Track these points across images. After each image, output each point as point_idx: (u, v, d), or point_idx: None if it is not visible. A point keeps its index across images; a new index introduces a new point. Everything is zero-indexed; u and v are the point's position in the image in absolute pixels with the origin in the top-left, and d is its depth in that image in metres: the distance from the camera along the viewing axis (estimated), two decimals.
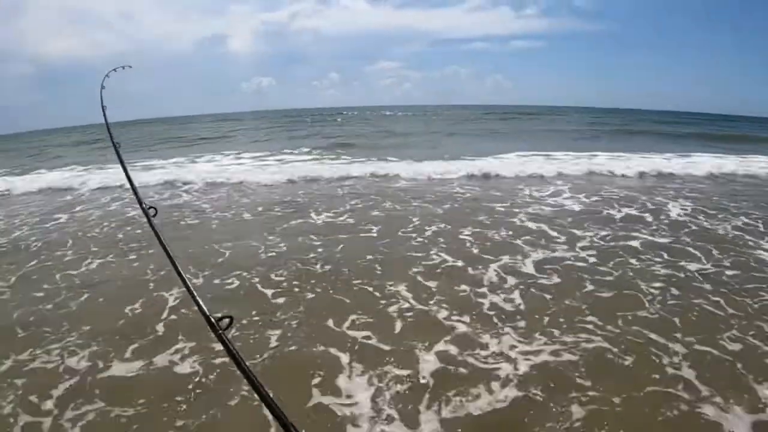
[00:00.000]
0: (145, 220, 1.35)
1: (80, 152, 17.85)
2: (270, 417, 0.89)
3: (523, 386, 2.38)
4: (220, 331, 0.95)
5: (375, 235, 5.03)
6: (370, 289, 3.64)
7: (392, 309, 3.30)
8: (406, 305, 3.33)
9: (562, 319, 3.09)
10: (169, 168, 10.74)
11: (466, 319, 3.12)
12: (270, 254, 4.47)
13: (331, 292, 3.62)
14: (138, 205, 1.36)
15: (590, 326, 3.01)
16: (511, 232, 5.00)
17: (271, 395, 0.87)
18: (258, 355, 2.70)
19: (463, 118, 32.52)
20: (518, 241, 4.70)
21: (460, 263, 4.12)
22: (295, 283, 3.78)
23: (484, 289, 3.58)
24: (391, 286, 3.64)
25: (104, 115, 2.44)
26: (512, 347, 2.76)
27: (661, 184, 7.91)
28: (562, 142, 15.22)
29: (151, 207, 1.33)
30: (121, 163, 1.69)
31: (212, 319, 0.97)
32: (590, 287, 3.60)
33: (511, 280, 3.74)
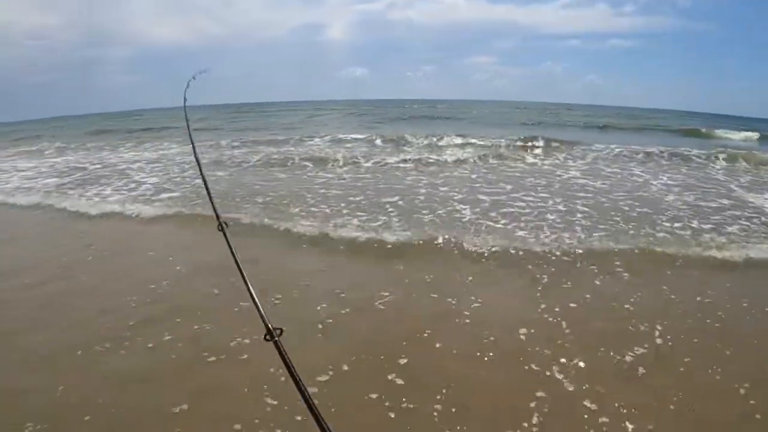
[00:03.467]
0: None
1: None
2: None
3: None
4: (277, 339, 1.11)
5: None
6: None
7: None
8: None
9: None
10: None
11: None
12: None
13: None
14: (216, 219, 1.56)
15: None
16: None
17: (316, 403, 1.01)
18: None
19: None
20: None
21: None
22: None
23: None
24: None
25: (188, 126, 2.73)
26: None
27: None
28: None
29: (225, 221, 1.54)
30: (202, 176, 1.92)
31: (270, 328, 1.13)
32: None
33: None
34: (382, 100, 68.65)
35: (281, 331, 1.15)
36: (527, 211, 6.50)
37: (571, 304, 3.78)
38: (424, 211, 6.40)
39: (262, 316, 1.16)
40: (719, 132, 23.36)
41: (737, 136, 22.65)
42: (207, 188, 1.80)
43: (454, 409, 2.53)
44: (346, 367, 2.91)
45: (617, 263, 4.69)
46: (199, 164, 2.04)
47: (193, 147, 2.36)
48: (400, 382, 2.77)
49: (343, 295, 3.95)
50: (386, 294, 3.94)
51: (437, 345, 3.18)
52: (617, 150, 13.06)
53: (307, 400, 1.01)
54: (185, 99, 3.35)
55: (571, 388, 2.71)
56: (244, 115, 33.92)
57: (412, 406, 2.56)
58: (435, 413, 2.51)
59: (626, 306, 3.81)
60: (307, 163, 10.76)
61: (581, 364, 2.95)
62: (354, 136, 15.96)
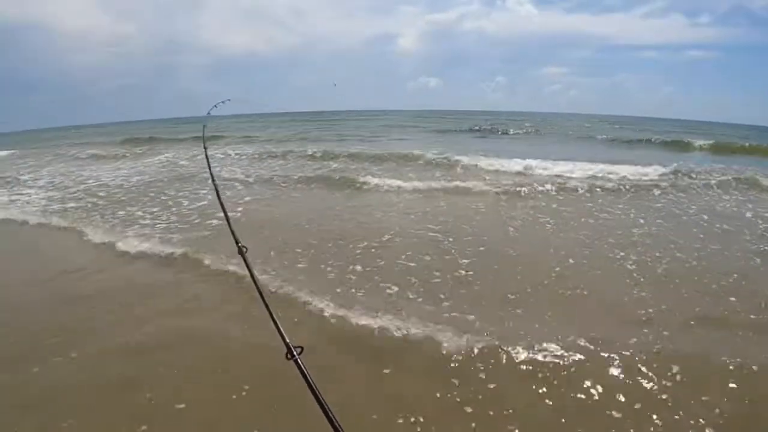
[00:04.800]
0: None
1: None
2: None
3: None
4: (297, 357, 1.13)
5: None
6: None
7: None
8: None
9: None
10: None
11: None
12: None
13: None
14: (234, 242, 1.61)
15: None
16: None
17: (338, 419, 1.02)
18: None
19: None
20: None
21: None
22: None
23: None
24: None
25: (206, 155, 2.84)
26: None
27: None
28: None
29: (243, 246, 1.58)
30: (220, 201, 1.98)
31: (291, 346, 1.15)
32: None
33: None
34: (456, 111, 67.82)
35: (301, 349, 1.18)
36: None
37: None
38: None
39: (282, 336, 1.18)
40: None
41: None
42: (225, 212, 1.86)
43: None
44: None
45: None
46: (216, 190, 2.11)
47: (211, 173, 2.43)
48: None
49: None
50: None
51: None
52: None
53: (330, 419, 1.02)
54: (204, 127, 3.49)
55: None
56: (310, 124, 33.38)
57: None
58: None
59: None
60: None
61: None
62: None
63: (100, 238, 5.76)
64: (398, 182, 8.89)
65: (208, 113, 4.08)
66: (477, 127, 26.02)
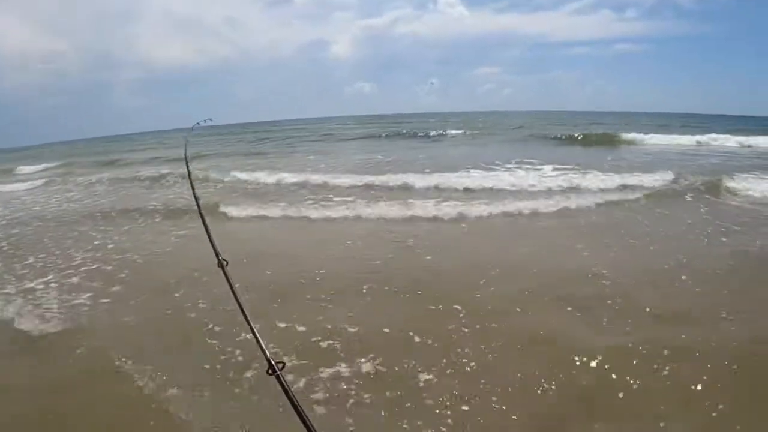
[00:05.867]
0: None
1: None
2: None
3: None
4: (278, 372, 1.12)
5: None
6: None
7: None
8: None
9: None
10: None
11: None
12: None
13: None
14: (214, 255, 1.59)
15: None
16: None
17: None
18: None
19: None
20: None
21: None
22: None
23: None
24: None
25: (188, 167, 2.83)
26: None
27: None
28: None
29: (223, 259, 1.57)
30: (201, 214, 1.97)
31: (272, 362, 1.14)
32: None
33: None
34: (391, 115, 69.15)
35: (283, 365, 1.17)
36: None
37: None
38: None
39: (263, 351, 1.17)
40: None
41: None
42: (206, 226, 1.84)
43: None
44: None
45: None
46: (197, 202, 2.09)
47: (192, 188, 2.41)
48: None
49: None
50: None
51: None
52: None
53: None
54: (186, 147, 3.46)
55: None
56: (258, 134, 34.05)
57: None
58: None
59: None
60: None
61: None
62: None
63: None
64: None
65: (192, 129, 4.13)
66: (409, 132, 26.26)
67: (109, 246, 6.50)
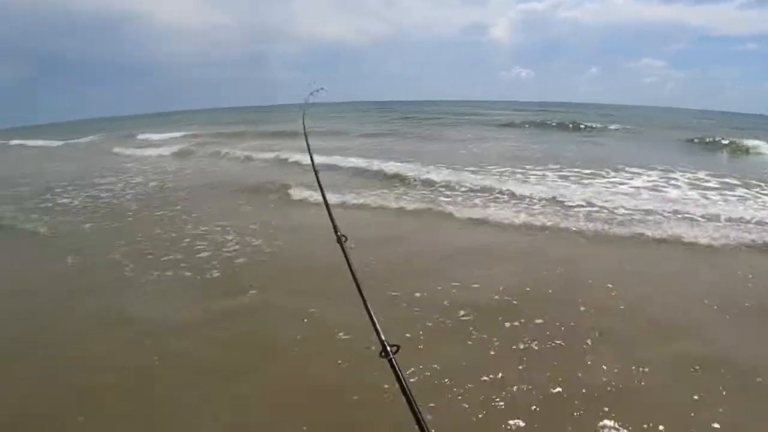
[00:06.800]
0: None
1: None
2: None
3: None
4: (392, 357, 1.12)
5: None
6: None
7: None
8: None
9: None
10: None
11: None
12: None
13: None
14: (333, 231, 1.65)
15: None
16: None
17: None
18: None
19: None
20: None
21: None
22: None
23: None
24: None
25: (306, 139, 2.94)
26: None
27: None
28: None
29: (342, 235, 1.62)
30: (320, 187, 2.05)
31: (386, 345, 1.15)
32: None
33: None
34: (549, 103, 64.99)
35: (397, 348, 1.16)
36: None
37: None
38: None
39: (378, 333, 1.19)
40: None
41: None
42: (325, 200, 1.92)
43: None
44: None
45: None
46: (317, 176, 2.18)
47: (311, 157, 2.51)
48: None
49: None
50: None
51: None
52: None
53: (420, 422, 1.01)
54: (304, 113, 3.57)
55: None
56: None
57: None
58: None
59: None
60: None
61: None
62: None
63: None
64: None
65: (305, 101, 3.97)
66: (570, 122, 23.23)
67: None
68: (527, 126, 23.20)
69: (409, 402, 1.03)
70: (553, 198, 7.77)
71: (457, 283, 4.40)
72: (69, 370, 3.24)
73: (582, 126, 22.39)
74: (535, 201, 7.70)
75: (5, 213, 8.00)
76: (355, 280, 1.37)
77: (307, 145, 3.00)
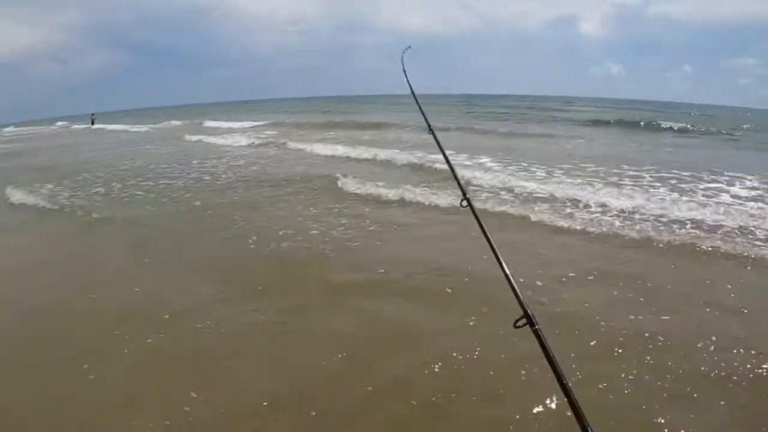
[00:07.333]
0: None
1: None
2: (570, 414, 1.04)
3: None
4: (536, 327, 1.14)
5: None
6: None
7: None
8: None
9: None
10: None
11: None
12: None
13: None
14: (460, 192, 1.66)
15: None
16: None
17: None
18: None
19: None
20: None
21: None
22: None
23: None
24: None
25: (412, 91, 2.80)
26: None
27: None
28: None
29: (469, 196, 1.63)
30: (441, 149, 2.05)
31: (530, 313, 1.17)
32: None
33: None
34: (639, 101, 59.95)
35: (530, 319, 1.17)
36: None
37: None
38: None
39: (520, 301, 1.20)
40: None
41: None
42: (449, 163, 1.92)
43: None
44: None
45: None
46: (437, 139, 2.17)
47: (428, 123, 2.46)
48: None
49: None
50: None
51: None
52: None
53: (567, 393, 1.02)
54: (406, 72, 3.39)
55: None
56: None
57: None
58: None
59: None
60: None
61: None
62: None
63: None
64: None
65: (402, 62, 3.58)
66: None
67: None
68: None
69: (555, 370, 1.06)
70: None
71: None
72: None
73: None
74: None
75: None
76: (491, 243, 1.38)
77: (422, 113, 2.84)
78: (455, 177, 1.79)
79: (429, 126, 2.34)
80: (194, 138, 18.31)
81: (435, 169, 9.03)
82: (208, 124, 26.94)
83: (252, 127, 23.04)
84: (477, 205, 1.73)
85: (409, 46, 3.82)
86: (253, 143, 15.58)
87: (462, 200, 1.69)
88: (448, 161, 1.91)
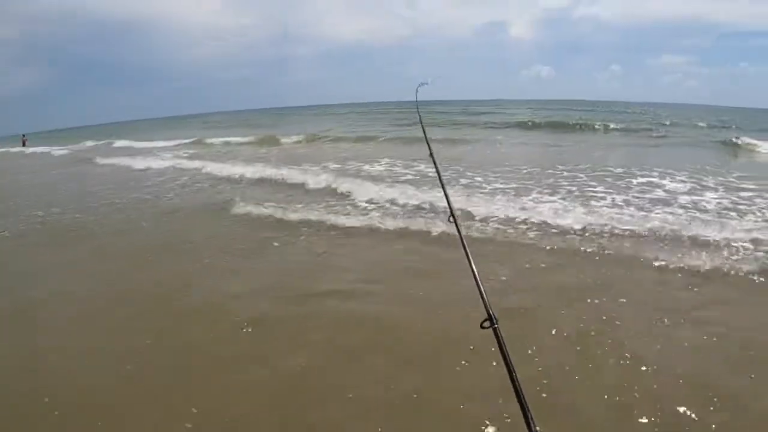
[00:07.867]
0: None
1: None
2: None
3: None
4: (495, 326, 1.19)
5: None
6: None
7: None
8: None
9: None
10: None
11: None
12: None
13: None
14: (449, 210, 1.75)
15: None
16: None
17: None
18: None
19: None
20: None
21: None
22: None
23: None
24: None
25: (421, 124, 3.02)
26: None
27: None
28: None
29: (456, 215, 1.71)
30: (437, 170, 2.16)
31: (492, 314, 1.21)
32: None
33: None
34: (568, 101, 60.77)
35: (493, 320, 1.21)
36: None
37: None
38: None
39: (484, 302, 1.26)
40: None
41: None
42: (442, 183, 2.01)
43: None
44: None
45: None
46: (434, 159, 2.28)
47: (428, 142, 2.60)
48: None
49: None
50: None
51: None
52: None
53: (517, 391, 1.05)
54: (417, 100, 3.53)
55: None
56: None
57: None
58: None
59: None
60: None
61: None
62: None
63: None
64: None
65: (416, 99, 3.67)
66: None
67: None
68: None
69: (509, 371, 1.09)
70: None
71: None
72: None
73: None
74: None
75: None
76: (467, 252, 1.46)
77: (424, 132, 3.07)
78: (446, 196, 1.88)
79: (430, 150, 2.46)
80: (105, 161, 15.86)
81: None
82: (122, 144, 24.28)
83: (175, 145, 20.66)
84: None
85: (425, 82, 3.72)
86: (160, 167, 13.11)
87: (449, 216, 1.77)
88: (442, 184, 2.01)
